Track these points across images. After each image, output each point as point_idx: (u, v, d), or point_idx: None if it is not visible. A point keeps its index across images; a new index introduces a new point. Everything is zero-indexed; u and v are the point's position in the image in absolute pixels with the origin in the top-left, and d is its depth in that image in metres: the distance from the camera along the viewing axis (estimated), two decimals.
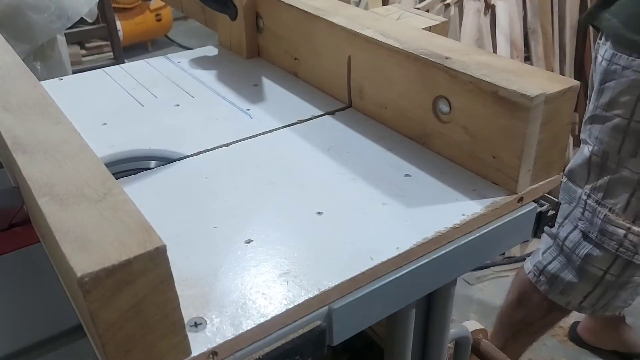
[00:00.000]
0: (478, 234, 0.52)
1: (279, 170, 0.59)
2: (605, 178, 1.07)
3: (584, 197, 1.11)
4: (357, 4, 2.38)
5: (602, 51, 1.05)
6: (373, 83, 0.67)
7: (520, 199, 0.55)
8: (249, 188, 0.57)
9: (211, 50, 0.91)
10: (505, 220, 0.54)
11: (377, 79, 0.66)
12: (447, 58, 0.57)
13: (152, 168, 0.60)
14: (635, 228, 1.06)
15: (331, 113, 0.71)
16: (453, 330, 0.65)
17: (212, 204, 0.54)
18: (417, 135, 0.63)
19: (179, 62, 0.87)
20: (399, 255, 0.47)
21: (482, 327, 0.90)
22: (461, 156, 0.59)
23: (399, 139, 0.65)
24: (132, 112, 0.72)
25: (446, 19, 0.81)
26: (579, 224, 1.12)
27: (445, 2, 2.28)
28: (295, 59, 0.80)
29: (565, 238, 1.15)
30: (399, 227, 0.50)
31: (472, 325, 0.86)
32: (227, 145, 0.64)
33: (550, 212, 0.57)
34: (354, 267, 0.46)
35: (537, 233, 0.57)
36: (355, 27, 0.67)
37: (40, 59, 1.50)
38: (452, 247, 0.50)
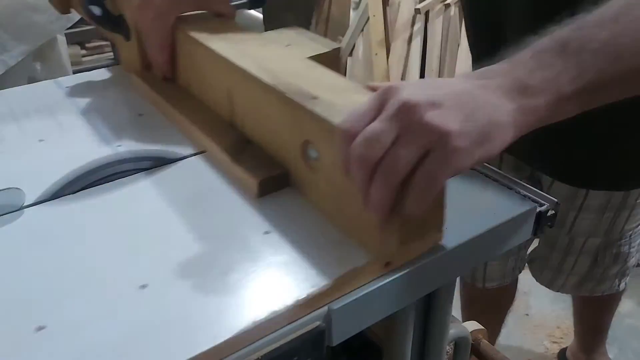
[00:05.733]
0: (478, 234, 0.51)
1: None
2: None
3: None
4: (357, 5, 2.38)
5: None
6: (254, 121, 0.59)
7: (388, 264, 0.47)
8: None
9: (110, 72, 0.84)
10: (507, 220, 0.53)
11: (256, 117, 0.58)
12: (314, 98, 0.50)
13: None
14: None
15: (203, 152, 0.63)
16: (452, 331, 0.65)
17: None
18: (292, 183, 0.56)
19: (66, 88, 0.79)
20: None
21: (482, 327, 0.90)
22: (330, 211, 0.51)
23: None
24: None
25: (339, 46, 0.75)
26: None
27: (446, 2, 2.29)
28: (189, 85, 0.71)
29: None
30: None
31: (471, 325, 0.86)
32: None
33: (550, 212, 0.57)
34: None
35: (537, 233, 0.57)
36: (232, 56, 0.60)
37: (40, 59, 1.50)
38: (453, 247, 0.50)
